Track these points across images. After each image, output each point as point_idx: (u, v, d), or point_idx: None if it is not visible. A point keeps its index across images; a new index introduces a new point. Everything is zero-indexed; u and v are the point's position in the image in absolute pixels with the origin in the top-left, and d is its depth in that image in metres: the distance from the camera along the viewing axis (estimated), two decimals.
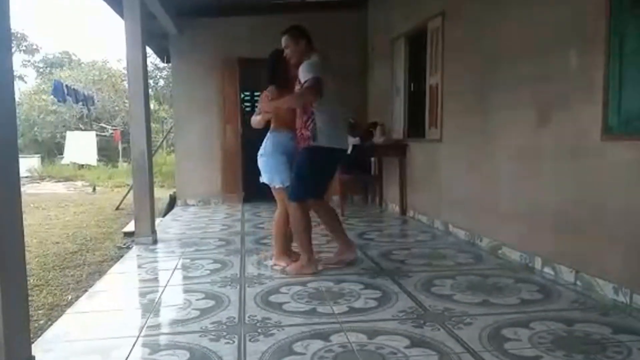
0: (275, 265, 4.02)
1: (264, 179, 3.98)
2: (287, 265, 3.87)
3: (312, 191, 3.76)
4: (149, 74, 6.24)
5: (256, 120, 4.03)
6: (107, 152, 22.67)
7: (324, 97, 3.55)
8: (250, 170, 8.48)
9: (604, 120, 3.13)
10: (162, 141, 16.22)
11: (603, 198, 3.18)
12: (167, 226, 6.22)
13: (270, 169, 3.90)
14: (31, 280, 4.55)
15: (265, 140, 3.97)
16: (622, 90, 3.00)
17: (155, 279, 3.95)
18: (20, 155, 2.55)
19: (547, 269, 3.71)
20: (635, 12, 2.92)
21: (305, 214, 3.77)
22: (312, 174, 3.69)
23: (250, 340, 2.57)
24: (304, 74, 3.54)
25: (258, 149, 4.01)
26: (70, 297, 4.11)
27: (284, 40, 3.78)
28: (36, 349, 2.45)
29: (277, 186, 3.91)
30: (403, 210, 6.50)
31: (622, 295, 3.04)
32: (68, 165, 19.41)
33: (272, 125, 3.97)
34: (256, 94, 10.17)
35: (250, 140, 8.45)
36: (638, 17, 2.90)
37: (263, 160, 3.94)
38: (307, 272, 3.74)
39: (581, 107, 3.34)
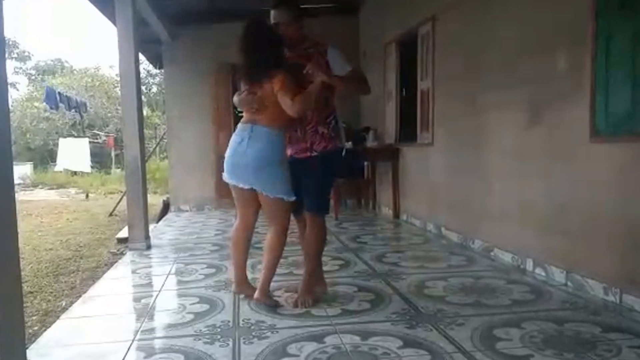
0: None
1: (266, 190, 3.01)
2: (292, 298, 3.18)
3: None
4: (141, 81, 6.26)
5: (244, 100, 3.05)
6: (100, 159, 22.60)
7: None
8: None
9: (591, 122, 3.17)
10: (155, 147, 16.22)
11: (592, 199, 3.22)
12: (160, 232, 6.22)
13: (284, 178, 3.02)
14: (25, 287, 4.53)
15: (263, 144, 2.97)
16: (609, 92, 3.05)
17: (150, 284, 3.96)
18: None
19: (538, 270, 3.74)
20: (622, 14, 2.97)
21: (325, 228, 3.20)
22: (333, 181, 3.22)
23: (244, 343, 2.58)
24: (341, 62, 2.96)
25: None
26: (64, 303, 4.10)
27: (278, 15, 3.00)
28: (31, 354, 2.47)
29: (291, 199, 3.05)
30: (396, 214, 6.53)
31: (612, 295, 3.08)
32: (61, 172, 19.33)
33: (269, 123, 2.99)
34: None
35: None
36: (624, 19, 2.94)
37: (272, 169, 2.99)
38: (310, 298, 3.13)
39: (570, 109, 3.39)
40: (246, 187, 3.06)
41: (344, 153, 3.18)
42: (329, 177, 3.14)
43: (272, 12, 3.03)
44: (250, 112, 3.06)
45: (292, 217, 3.20)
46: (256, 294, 3.09)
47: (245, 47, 3.00)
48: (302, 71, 2.93)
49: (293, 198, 3.04)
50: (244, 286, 3.28)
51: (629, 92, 2.91)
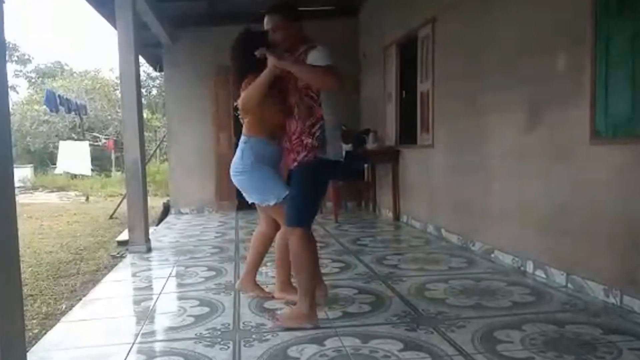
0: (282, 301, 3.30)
1: (252, 199, 3.16)
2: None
3: (314, 214, 3.01)
4: (141, 83, 6.26)
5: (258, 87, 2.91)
6: (100, 162, 22.62)
7: (332, 100, 2.91)
8: None
9: (591, 124, 3.17)
10: (156, 150, 16.25)
11: (593, 201, 3.22)
12: (161, 234, 6.22)
13: (258, 185, 3.09)
14: (25, 290, 4.53)
15: (238, 153, 3.13)
16: (609, 94, 3.05)
17: (150, 287, 3.96)
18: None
19: (538, 272, 3.74)
20: (621, 15, 2.97)
21: (312, 244, 2.95)
22: (317, 193, 2.98)
23: (245, 345, 2.58)
24: (321, 59, 2.77)
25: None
26: (64, 306, 4.09)
27: (271, 21, 2.94)
28: (31, 357, 2.47)
29: (271, 203, 3.08)
30: (396, 216, 6.53)
31: (612, 297, 3.08)
32: (61, 175, 19.34)
33: (245, 132, 3.13)
34: None
35: None
36: (624, 20, 2.95)
37: (244, 178, 3.11)
38: (309, 322, 2.84)
39: (570, 111, 3.39)
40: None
41: (342, 159, 3.05)
42: (305, 188, 2.89)
43: (265, 18, 2.98)
44: None
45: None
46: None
47: (230, 57, 3.14)
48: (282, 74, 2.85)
49: (282, 197, 2.99)
50: (248, 285, 3.41)
51: (629, 94, 2.91)
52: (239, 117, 3.24)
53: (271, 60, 2.79)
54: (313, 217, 2.97)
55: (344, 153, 3.24)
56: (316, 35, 3.02)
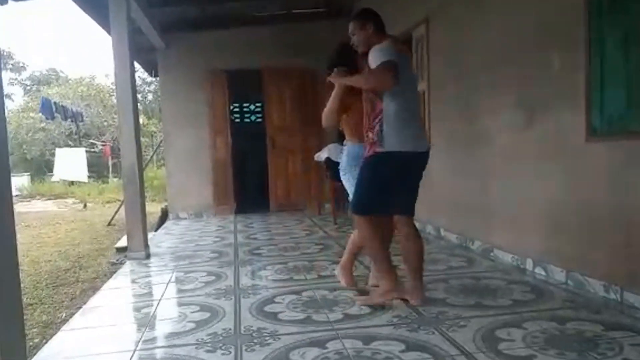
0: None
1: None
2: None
3: (378, 203, 3.12)
4: (137, 89, 6.24)
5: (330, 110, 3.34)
6: (97, 168, 22.55)
7: (398, 89, 2.91)
8: (242, 181, 8.64)
9: (587, 121, 3.19)
10: (152, 155, 16.20)
11: (590, 198, 3.23)
12: (159, 240, 6.21)
13: (351, 185, 3.34)
14: (24, 299, 4.51)
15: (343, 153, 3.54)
16: (604, 92, 3.06)
17: (150, 293, 3.95)
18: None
19: (538, 270, 3.75)
20: (613, 15, 2.99)
21: (371, 229, 3.14)
22: (377, 185, 3.07)
23: (246, 350, 2.58)
24: (373, 61, 2.90)
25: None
26: (64, 315, 4.08)
27: (350, 28, 3.17)
28: None
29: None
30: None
31: (612, 293, 3.08)
32: (58, 182, 19.28)
33: (346, 136, 3.52)
34: (245, 105, 10.26)
35: (241, 152, 8.57)
36: (616, 20, 2.96)
37: (345, 177, 3.47)
38: (397, 294, 3.20)
39: (566, 110, 3.40)
40: None
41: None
42: (362, 180, 3.12)
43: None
44: None
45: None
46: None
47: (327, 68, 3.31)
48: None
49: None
50: (346, 272, 3.65)
51: (624, 92, 2.93)
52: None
53: (335, 82, 3.18)
54: (379, 206, 3.12)
55: (424, 141, 3.29)
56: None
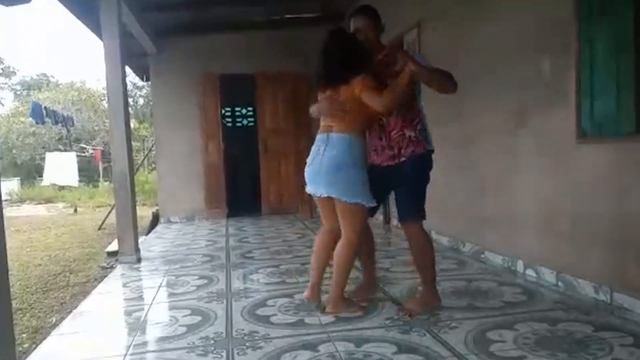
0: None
1: (347, 195, 2.96)
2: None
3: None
4: (128, 93, 6.20)
5: (324, 107, 3.05)
6: (87, 173, 22.43)
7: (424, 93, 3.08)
8: (234, 185, 8.63)
9: (577, 124, 3.21)
10: (144, 159, 16.15)
11: (580, 199, 3.26)
12: (150, 244, 6.18)
13: (353, 182, 2.95)
14: (14, 304, 4.47)
15: (337, 146, 2.97)
16: (594, 94, 3.09)
17: (141, 297, 3.92)
18: None
19: (529, 272, 3.77)
20: (603, 18, 3.02)
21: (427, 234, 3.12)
22: (425, 186, 3.05)
23: (238, 353, 2.57)
24: (427, 62, 2.89)
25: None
26: (54, 320, 4.06)
27: (358, 22, 3.02)
28: None
29: (365, 203, 3.00)
30: (386, 219, 6.54)
31: (602, 294, 3.10)
32: (48, 186, 19.15)
33: (341, 127, 2.98)
34: (237, 109, 10.25)
35: (233, 156, 8.56)
36: (606, 23, 2.99)
37: (340, 174, 2.95)
38: (438, 303, 3.12)
39: (557, 112, 3.42)
40: (323, 195, 3.03)
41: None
42: (420, 181, 3.01)
43: (352, 20, 3.07)
44: (326, 120, 3.07)
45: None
46: (327, 308, 3.11)
47: (325, 54, 3.04)
48: (384, 71, 2.92)
49: (374, 204, 3.04)
50: (314, 293, 3.23)
51: (614, 94, 2.95)
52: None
53: (409, 65, 2.75)
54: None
55: None
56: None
